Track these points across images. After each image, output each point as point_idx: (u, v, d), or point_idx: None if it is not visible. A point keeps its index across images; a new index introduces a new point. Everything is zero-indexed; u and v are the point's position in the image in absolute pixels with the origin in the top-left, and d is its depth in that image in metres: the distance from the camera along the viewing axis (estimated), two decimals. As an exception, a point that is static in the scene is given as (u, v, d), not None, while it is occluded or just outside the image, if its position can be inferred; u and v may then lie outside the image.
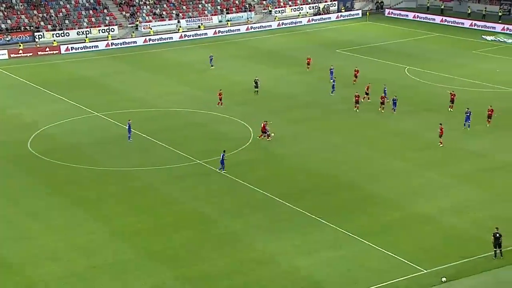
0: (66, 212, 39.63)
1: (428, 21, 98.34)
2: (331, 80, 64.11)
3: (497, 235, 32.76)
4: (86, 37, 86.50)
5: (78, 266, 33.56)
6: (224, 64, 75.61)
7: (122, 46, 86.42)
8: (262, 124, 50.63)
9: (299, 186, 42.89)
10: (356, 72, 66.15)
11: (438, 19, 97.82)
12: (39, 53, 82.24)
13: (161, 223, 38.29)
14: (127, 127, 50.95)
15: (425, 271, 32.90)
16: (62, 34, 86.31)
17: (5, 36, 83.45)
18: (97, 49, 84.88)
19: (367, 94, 59.84)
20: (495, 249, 33.13)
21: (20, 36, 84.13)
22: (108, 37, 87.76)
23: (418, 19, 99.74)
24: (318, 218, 38.37)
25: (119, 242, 35.93)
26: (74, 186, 43.30)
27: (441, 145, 48.37)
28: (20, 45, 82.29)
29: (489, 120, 52.37)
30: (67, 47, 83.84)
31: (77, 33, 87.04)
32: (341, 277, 32.77)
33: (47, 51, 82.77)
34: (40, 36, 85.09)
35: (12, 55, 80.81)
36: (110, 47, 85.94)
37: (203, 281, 32.40)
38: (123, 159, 47.68)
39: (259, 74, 66.06)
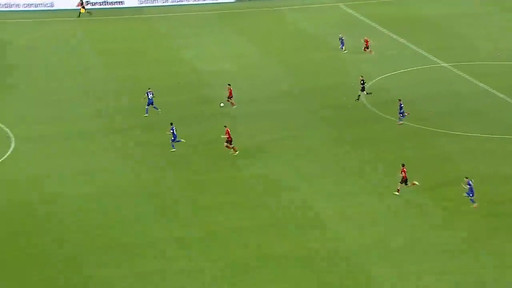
0: (346, 178, 36.53)
1: None
2: None
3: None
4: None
5: (348, 240, 31.05)
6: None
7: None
8: (226, 130, 38.25)
9: None
10: None
11: None
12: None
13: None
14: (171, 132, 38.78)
15: None
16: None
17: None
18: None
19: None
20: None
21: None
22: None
23: None
24: None
25: (393, 220, 32.41)
26: (368, 144, 39.99)
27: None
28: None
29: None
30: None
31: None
32: None
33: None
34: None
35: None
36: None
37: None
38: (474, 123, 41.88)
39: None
